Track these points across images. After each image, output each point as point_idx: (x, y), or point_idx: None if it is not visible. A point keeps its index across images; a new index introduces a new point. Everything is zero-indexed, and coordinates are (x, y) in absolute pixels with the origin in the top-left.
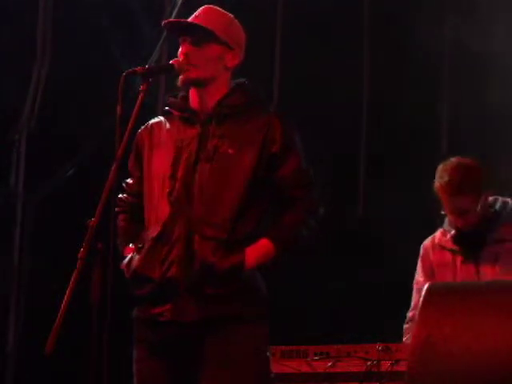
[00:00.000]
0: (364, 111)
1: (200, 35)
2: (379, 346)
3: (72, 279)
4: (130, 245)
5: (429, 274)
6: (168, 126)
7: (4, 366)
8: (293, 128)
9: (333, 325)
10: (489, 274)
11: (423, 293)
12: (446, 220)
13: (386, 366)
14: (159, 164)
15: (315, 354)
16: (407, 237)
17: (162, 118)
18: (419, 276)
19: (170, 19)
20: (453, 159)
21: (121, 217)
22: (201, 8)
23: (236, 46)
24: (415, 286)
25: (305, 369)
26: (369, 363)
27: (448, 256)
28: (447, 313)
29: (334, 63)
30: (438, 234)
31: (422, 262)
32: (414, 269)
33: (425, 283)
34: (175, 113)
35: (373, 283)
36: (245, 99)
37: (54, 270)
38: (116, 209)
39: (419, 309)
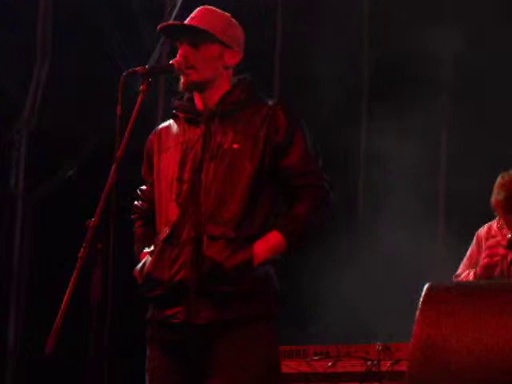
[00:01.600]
0: (364, 110)
1: (197, 36)
2: (379, 346)
3: (72, 279)
4: (145, 249)
5: (473, 263)
6: (175, 128)
7: (4, 366)
8: (297, 117)
9: (333, 325)
10: None
11: (423, 292)
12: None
13: (385, 366)
14: (167, 167)
15: (315, 354)
16: (408, 236)
17: (170, 122)
18: (462, 266)
19: (165, 23)
20: (511, 172)
21: (137, 223)
22: (197, 9)
23: (235, 44)
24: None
25: (305, 369)
26: (369, 363)
27: (501, 251)
28: (447, 313)
29: (333, 62)
30: (495, 224)
31: (472, 251)
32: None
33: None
34: (181, 115)
35: (372, 283)
36: (246, 95)
37: (54, 269)
38: (132, 216)
39: (419, 309)
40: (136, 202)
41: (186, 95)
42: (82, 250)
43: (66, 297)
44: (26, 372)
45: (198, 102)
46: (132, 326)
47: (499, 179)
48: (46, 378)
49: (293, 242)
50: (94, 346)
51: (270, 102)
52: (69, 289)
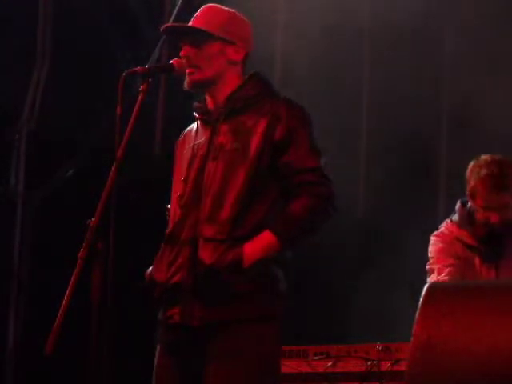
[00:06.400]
0: (364, 110)
1: (197, 36)
2: (379, 346)
3: (72, 279)
4: None
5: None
6: (193, 131)
7: (4, 366)
8: (300, 112)
9: (333, 325)
10: (510, 274)
11: (423, 292)
12: (457, 215)
13: (385, 366)
14: (179, 170)
15: (315, 354)
16: (409, 238)
17: (194, 125)
18: (435, 260)
19: (167, 25)
20: (484, 156)
21: None
22: (201, 8)
23: (238, 39)
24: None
25: (305, 369)
26: (369, 363)
27: (467, 253)
28: (447, 313)
29: (334, 61)
30: (449, 226)
31: (443, 246)
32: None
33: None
34: (197, 116)
35: (371, 283)
36: (257, 90)
37: (54, 269)
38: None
39: (419, 309)
40: (169, 205)
41: (203, 97)
42: (81, 250)
43: (66, 297)
44: (26, 372)
45: (209, 101)
46: (132, 326)
47: (473, 163)
48: (46, 378)
49: (287, 240)
50: (94, 346)
51: (277, 98)
52: (69, 289)
